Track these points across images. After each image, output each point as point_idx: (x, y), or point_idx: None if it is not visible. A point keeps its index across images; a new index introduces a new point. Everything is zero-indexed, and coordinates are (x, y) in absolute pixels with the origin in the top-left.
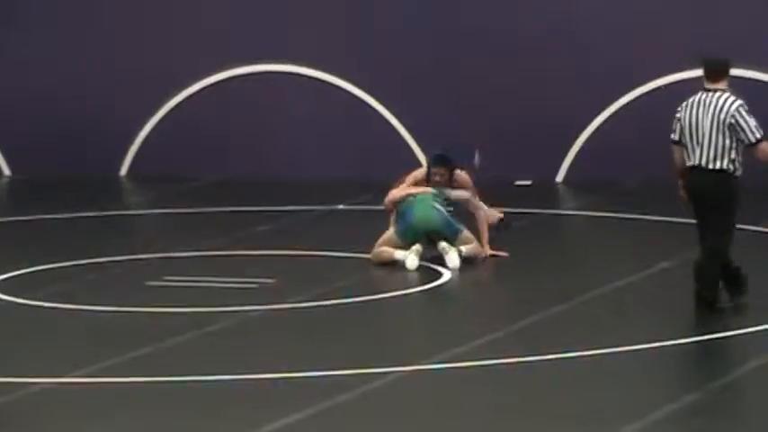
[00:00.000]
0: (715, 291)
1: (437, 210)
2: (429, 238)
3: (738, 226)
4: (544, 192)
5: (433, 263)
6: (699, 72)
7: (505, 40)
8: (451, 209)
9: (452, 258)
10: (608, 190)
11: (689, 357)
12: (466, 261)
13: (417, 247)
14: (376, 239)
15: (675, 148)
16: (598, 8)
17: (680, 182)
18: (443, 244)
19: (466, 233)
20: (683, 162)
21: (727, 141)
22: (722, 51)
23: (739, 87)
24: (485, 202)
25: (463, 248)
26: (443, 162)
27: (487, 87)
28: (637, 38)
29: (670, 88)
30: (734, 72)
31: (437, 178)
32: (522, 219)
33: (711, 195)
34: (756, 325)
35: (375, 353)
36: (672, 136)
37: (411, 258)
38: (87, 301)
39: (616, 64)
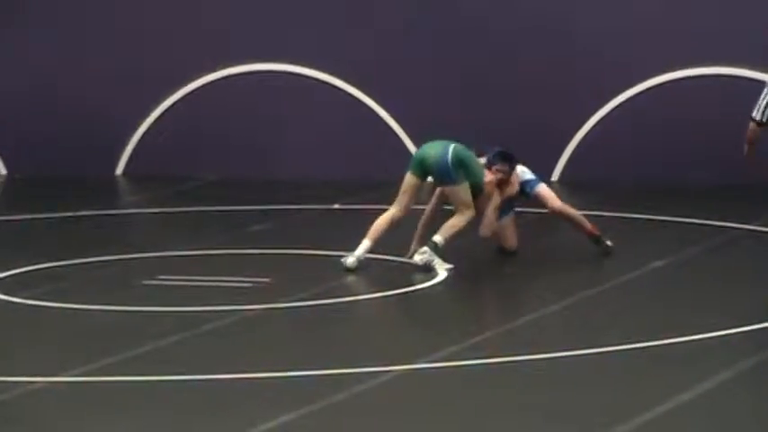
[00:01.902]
0: None
1: (444, 150)
2: (426, 175)
3: (736, 225)
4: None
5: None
6: (696, 71)
7: (505, 40)
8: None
9: (420, 259)
10: (603, 189)
11: (681, 357)
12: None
13: (361, 250)
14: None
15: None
16: (598, 8)
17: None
18: (416, 258)
19: (462, 188)
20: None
21: None
22: (722, 51)
23: (738, 87)
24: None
25: (437, 238)
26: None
27: (487, 87)
28: (635, 37)
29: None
30: (733, 72)
31: (500, 176)
32: (519, 219)
33: None
34: (749, 324)
35: (370, 352)
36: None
37: (350, 259)
38: (83, 300)
39: (612, 63)
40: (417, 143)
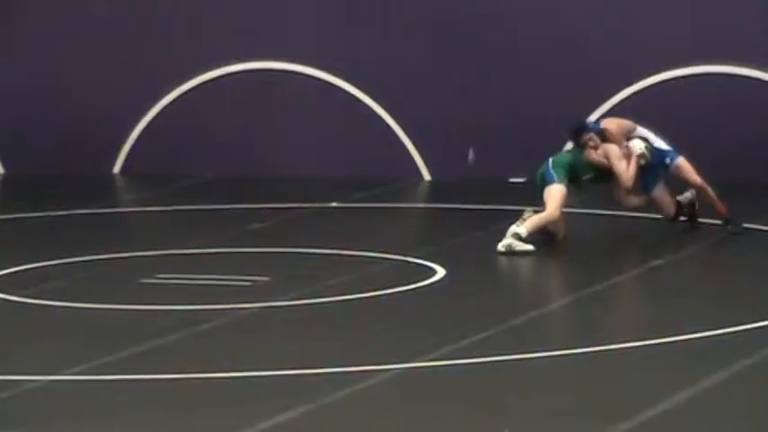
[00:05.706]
0: None
1: (546, 161)
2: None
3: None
4: (538, 189)
5: (428, 260)
6: (696, 69)
7: (505, 40)
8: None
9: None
10: (600, 188)
11: (683, 355)
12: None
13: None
14: (371, 237)
15: None
16: (597, 8)
17: None
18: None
19: (553, 188)
20: None
21: None
22: (722, 51)
23: (737, 86)
24: (483, 200)
25: (522, 229)
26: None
27: (487, 87)
28: (634, 36)
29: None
30: (733, 71)
31: (591, 143)
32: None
33: None
34: (751, 323)
35: (369, 350)
36: None
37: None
38: (81, 298)
39: (612, 63)
40: (417, 143)
